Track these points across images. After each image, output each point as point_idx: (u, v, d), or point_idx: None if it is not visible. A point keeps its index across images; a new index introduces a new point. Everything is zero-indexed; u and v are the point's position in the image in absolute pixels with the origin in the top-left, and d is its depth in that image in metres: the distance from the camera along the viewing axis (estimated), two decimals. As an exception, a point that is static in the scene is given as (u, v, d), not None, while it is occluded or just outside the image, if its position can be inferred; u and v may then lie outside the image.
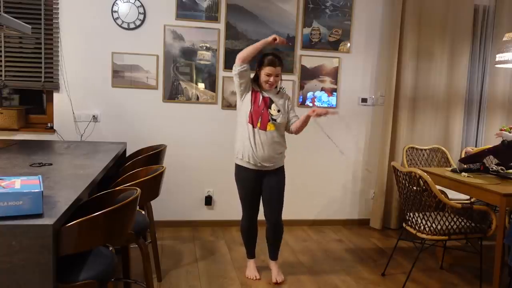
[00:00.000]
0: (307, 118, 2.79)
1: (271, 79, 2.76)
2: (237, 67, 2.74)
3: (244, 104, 2.82)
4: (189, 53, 3.91)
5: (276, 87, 2.87)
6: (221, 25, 3.94)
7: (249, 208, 2.93)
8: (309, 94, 4.17)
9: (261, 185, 2.90)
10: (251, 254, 3.10)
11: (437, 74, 4.27)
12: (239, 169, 2.88)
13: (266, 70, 2.76)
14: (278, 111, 2.83)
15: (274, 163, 2.85)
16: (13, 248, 1.44)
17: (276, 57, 2.79)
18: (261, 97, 2.82)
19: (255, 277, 3.02)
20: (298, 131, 2.90)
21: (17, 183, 1.59)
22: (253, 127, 2.78)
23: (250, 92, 2.82)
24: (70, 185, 1.93)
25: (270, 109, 2.81)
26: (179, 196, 4.06)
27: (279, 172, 2.92)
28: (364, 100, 4.29)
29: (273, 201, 2.89)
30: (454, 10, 4.22)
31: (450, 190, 3.14)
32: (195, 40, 3.91)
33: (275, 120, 2.81)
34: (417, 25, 4.17)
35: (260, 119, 2.79)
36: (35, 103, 3.92)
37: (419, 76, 4.26)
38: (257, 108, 2.79)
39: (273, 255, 3.05)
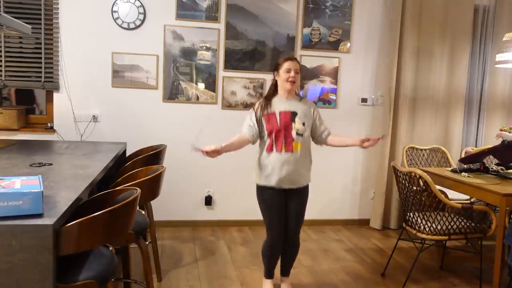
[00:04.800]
0: (354, 145, 2.59)
1: (292, 73, 2.54)
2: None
3: (263, 131, 2.62)
4: (189, 53, 3.91)
5: (297, 94, 2.69)
6: (221, 25, 3.94)
7: (277, 228, 2.65)
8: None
9: (287, 203, 2.68)
10: (270, 275, 2.84)
11: (437, 74, 4.27)
12: (263, 190, 2.65)
13: (285, 65, 2.56)
14: (303, 124, 2.61)
15: (301, 182, 2.66)
16: (13, 248, 1.43)
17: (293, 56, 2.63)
18: (278, 117, 2.58)
19: None
20: (333, 146, 2.74)
21: (17, 183, 1.59)
22: (277, 151, 2.58)
23: (262, 119, 2.61)
24: (70, 185, 1.92)
25: (294, 123, 2.59)
26: (179, 196, 4.06)
27: (305, 192, 2.72)
28: (364, 100, 4.29)
29: (294, 220, 2.69)
30: (454, 10, 4.22)
31: (450, 190, 3.14)
32: (195, 40, 3.91)
33: (301, 135, 2.59)
34: (417, 25, 4.17)
35: (284, 142, 2.57)
36: (30, 103, 3.93)
37: (419, 76, 4.26)
38: (279, 130, 2.57)
39: (285, 272, 2.88)
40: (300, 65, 2.67)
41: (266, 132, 2.62)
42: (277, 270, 2.87)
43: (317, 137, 2.74)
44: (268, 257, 2.77)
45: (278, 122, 2.58)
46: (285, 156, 2.58)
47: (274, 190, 2.63)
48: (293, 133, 2.59)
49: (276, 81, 2.67)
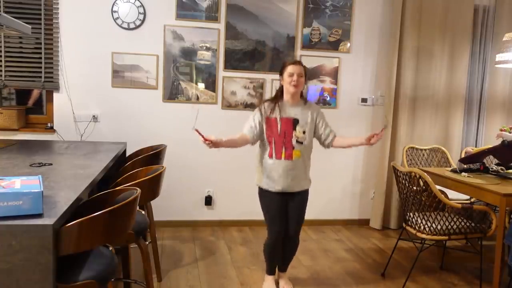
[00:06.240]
0: (361, 144, 2.59)
1: (294, 77, 2.56)
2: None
3: (264, 133, 2.66)
4: (189, 53, 3.91)
5: (303, 98, 2.71)
6: (221, 25, 3.94)
7: (277, 229, 2.70)
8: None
9: (287, 205, 2.73)
10: (272, 271, 2.90)
11: (437, 74, 4.27)
12: (263, 193, 2.72)
13: (288, 69, 2.58)
14: (304, 132, 2.64)
15: (301, 186, 2.72)
16: (13, 248, 1.43)
17: (297, 60, 2.69)
18: (279, 123, 2.61)
19: None
20: (340, 147, 2.76)
21: (17, 183, 1.59)
22: (277, 158, 2.62)
23: (264, 123, 2.64)
24: (70, 185, 1.92)
25: (295, 131, 2.62)
26: (179, 196, 4.06)
27: (305, 195, 2.77)
28: (364, 100, 4.29)
29: (294, 222, 2.74)
30: (454, 10, 4.22)
31: (450, 190, 3.14)
32: (195, 40, 3.91)
33: (301, 143, 2.63)
34: (417, 25, 4.17)
35: (284, 150, 2.61)
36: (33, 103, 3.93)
37: (419, 76, 4.26)
38: (279, 137, 2.61)
39: (283, 268, 2.94)
40: (306, 68, 2.66)
41: (266, 137, 2.65)
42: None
43: (323, 141, 2.75)
44: (269, 256, 2.84)
45: (279, 129, 2.62)
46: (284, 163, 2.62)
47: (274, 193, 2.68)
48: (293, 141, 2.63)
49: (282, 85, 2.69)
